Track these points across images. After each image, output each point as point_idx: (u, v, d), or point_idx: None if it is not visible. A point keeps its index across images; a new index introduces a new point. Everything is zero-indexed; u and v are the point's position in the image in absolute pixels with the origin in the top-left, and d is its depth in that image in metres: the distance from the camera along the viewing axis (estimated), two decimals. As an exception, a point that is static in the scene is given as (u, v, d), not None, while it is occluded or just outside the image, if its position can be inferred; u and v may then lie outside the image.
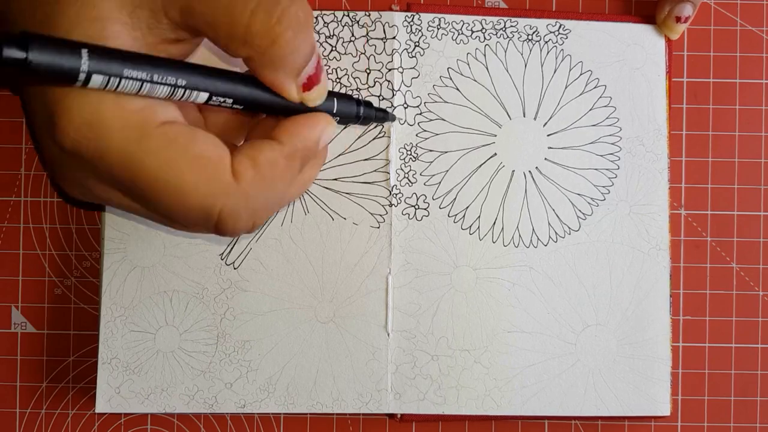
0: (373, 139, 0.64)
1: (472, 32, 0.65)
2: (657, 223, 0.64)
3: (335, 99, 0.56)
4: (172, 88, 0.48)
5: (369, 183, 0.64)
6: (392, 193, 0.64)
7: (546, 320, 0.64)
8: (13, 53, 0.43)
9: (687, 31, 0.67)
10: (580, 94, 0.65)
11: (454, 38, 0.64)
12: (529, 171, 0.65)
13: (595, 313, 0.64)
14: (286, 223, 0.64)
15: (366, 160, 0.64)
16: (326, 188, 0.64)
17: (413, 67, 0.64)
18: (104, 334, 0.63)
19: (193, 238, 0.63)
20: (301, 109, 0.52)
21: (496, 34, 0.65)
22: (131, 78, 0.46)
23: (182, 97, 0.48)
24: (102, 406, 0.63)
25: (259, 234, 0.64)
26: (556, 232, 0.64)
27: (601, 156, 0.65)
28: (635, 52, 0.65)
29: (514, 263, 0.64)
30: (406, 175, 0.64)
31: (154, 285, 0.63)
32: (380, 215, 0.64)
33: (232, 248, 0.64)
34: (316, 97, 0.52)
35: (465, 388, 0.64)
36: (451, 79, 0.65)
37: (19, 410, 0.66)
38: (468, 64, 0.65)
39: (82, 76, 0.44)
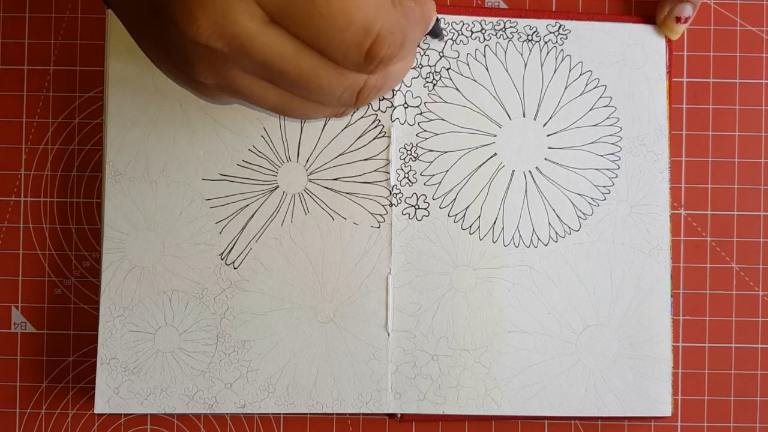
0: (374, 139, 0.64)
1: (472, 33, 0.64)
2: (658, 222, 0.64)
3: None
4: None
5: (369, 183, 0.64)
6: (392, 193, 0.64)
7: (546, 320, 0.64)
8: None
9: (687, 31, 0.66)
10: (580, 95, 0.64)
11: (454, 38, 0.64)
12: (529, 171, 0.64)
13: (596, 313, 0.64)
14: (286, 222, 0.63)
15: (366, 160, 0.64)
16: (326, 188, 0.64)
17: (413, 68, 0.64)
18: (103, 335, 0.63)
19: (193, 239, 0.63)
20: None
21: (495, 35, 0.64)
22: None
23: None
24: (101, 406, 0.63)
25: (259, 234, 0.63)
26: (556, 232, 0.64)
27: (602, 156, 0.64)
28: (635, 53, 0.65)
29: (515, 263, 0.64)
30: (407, 175, 0.64)
31: (154, 285, 0.63)
32: (380, 215, 0.64)
33: (232, 248, 0.63)
34: None
35: (465, 388, 0.63)
36: (451, 79, 0.64)
37: (19, 410, 0.66)
38: (468, 65, 0.64)
39: None
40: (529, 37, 0.64)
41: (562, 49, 0.64)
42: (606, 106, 0.64)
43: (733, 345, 0.66)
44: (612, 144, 0.64)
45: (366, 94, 0.53)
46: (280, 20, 0.49)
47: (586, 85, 0.64)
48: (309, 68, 0.51)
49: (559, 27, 0.64)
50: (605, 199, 0.64)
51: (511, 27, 0.64)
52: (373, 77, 0.52)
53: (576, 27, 0.65)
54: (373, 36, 0.49)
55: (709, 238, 0.66)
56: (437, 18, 0.60)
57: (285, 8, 0.49)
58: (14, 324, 0.66)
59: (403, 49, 0.51)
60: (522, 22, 0.64)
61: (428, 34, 0.59)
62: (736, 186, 0.66)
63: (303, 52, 0.50)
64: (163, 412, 0.63)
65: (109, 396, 0.63)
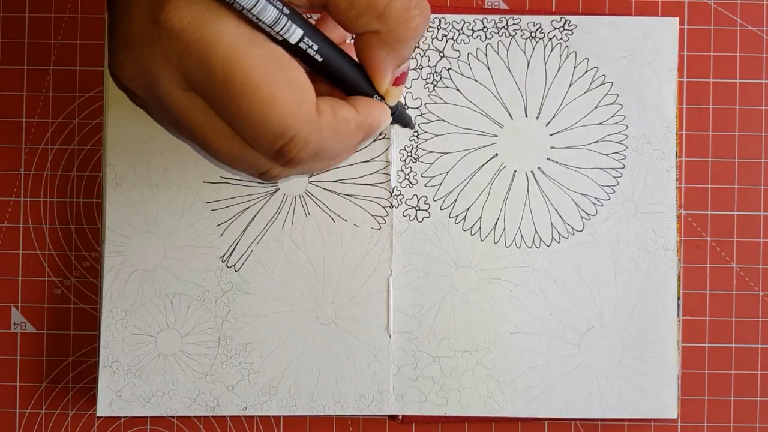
0: (374, 140, 0.63)
1: (473, 31, 0.64)
2: (664, 222, 0.63)
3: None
4: (279, 14, 0.49)
5: (370, 185, 0.63)
6: (393, 194, 0.63)
7: (549, 321, 0.63)
8: None
9: (687, 31, 0.66)
10: (585, 92, 0.64)
11: (455, 38, 0.64)
12: (531, 171, 0.64)
13: (600, 315, 0.63)
14: (287, 225, 0.63)
15: (366, 161, 0.63)
16: (327, 190, 0.63)
17: (413, 69, 0.64)
18: (105, 338, 0.63)
19: (195, 242, 0.63)
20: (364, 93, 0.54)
21: (497, 33, 0.64)
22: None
23: (282, 28, 0.49)
24: (103, 409, 0.62)
25: (260, 236, 0.63)
26: (559, 233, 0.64)
27: (606, 155, 0.64)
28: (645, 47, 0.64)
29: (516, 264, 0.63)
30: (407, 177, 0.64)
31: (155, 288, 0.63)
32: (381, 217, 0.63)
33: (233, 251, 0.63)
34: (397, 95, 0.55)
35: (467, 389, 0.63)
36: (451, 79, 0.64)
37: (19, 410, 0.66)
38: (469, 64, 0.64)
39: None
40: (533, 34, 0.64)
41: (567, 46, 0.64)
42: (612, 103, 0.64)
43: (733, 345, 0.66)
44: (617, 142, 0.64)
45: (269, 177, 0.54)
46: (200, 96, 0.50)
47: (592, 82, 0.64)
48: (215, 140, 0.52)
49: (565, 22, 0.64)
50: (609, 199, 0.64)
51: (513, 24, 0.64)
52: (279, 168, 0.53)
53: (582, 22, 0.64)
54: (287, 139, 0.50)
55: (709, 238, 0.66)
56: (401, 107, 0.59)
57: (206, 90, 0.49)
58: (14, 324, 0.65)
59: (317, 158, 0.52)
60: (525, 19, 0.64)
61: (396, 123, 0.58)
62: (736, 186, 0.66)
63: (215, 125, 0.51)
64: (165, 414, 0.62)
65: (112, 399, 0.62)
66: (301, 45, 0.50)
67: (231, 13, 0.48)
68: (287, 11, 0.49)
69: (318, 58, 0.51)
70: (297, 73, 0.50)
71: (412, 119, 0.63)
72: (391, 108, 0.55)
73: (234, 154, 0.53)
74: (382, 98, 0.53)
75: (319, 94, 0.52)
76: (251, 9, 0.48)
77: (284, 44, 0.49)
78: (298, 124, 0.50)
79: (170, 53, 0.49)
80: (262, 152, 0.52)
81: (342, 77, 0.53)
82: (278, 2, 0.49)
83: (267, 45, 0.49)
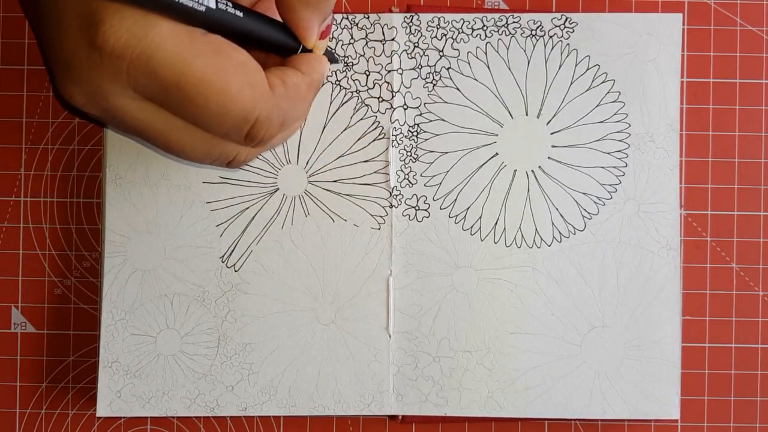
0: (373, 140, 0.63)
1: (473, 30, 0.63)
2: (667, 221, 0.63)
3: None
4: None
5: (369, 185, 0.63)
6: (392, 194, 0.63)
7: (550, 321, 0.63)
8: None
9: (687, 31, 0.66)
10: (587, 90, 0.63)
11: (454, 37, 0.63)
12: (532, 170, 0.63)
13: (602, 315, 0.63)
14: (286, 225, 0.63)
15: (366, 161, 0.63)
16: (327, 190, 0.63)
17: (413, 68, 0.63)
18: (105, 338, 0.62)
19: (194, 242, 0.62)
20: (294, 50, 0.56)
21: (497, 31, 0.63)
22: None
23: None
24: (103, 410, 0.62)
25: (260, 236, 0.63)
26: (560, 232, 0.63)
27: (608, 153, 0.63)
28: (648, 43, 0.63)
29: (517, 264, 0.63)
30: (407, 177, 0.63)
31: (155, 288, 0.62)
32: (381, 217, 0.63)
33: (232, 251, 0.63)
34: (323, 46, 0.56)
35: (467, 389, 0.62)
36: (451, 79, 0.63)
37: (19, 410, 0.65)
38: (469, 63, 0.63)
39: None
40: (533, 32, 0.63)
41: (568, 43, 0.63)
42: (614, 101, 0.63)
43: (734, 345, 0.65)
44: (619, 141, 0.63)
45: (237, 163, 0.55)
46: (155, 102, 0.50)
47: (593, 80, 0.63)
48: (178, 141, 0.53)
49: (566, 20, 0.63)
50: (611, 198, 0.63)
51: (513, 22, 0.63)
52: (246, 150, 0.54)
53: (584, 19, 0.63)
54: (251, 122, 0.51)
55: (709, 238, 0.66)
56: (329, 50, 0.60)
57: (160, 97, 0.49)
58: (14, 324, 0.65)
59: (284, 128, 0.54)
60: (525, 17, 0.63)
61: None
62: (736, 186, 0.66)
63: (175, 126, 0.52)
64: (164, 415, 0.62)
65: (111, 399, 0.62)
66: (220, 5, 0.50)
67: (161, 15, 0.48)
68: None
69: (239, 14, 0.52)
70: (242, 56, 0.51)
71: (334, 53, 0.64)
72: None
73: (199, 150, 0.53)
74: (310, 50, 0.56)
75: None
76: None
77: (206, 16, 0.49)
78: (258, 105, 0.50)
79: (116, 73, 0.49)
80: (230, 140, 0.52)
81: (270, 40, 0.54)
82: None
83: (206, 38, 0.50)
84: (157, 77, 0.48)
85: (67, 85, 0.51)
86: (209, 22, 0.50)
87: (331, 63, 0.59)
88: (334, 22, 0.63)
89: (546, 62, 0.63)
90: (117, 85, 0.49)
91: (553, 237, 0.63)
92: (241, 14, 0.52)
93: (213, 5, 0.50)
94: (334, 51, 0.63)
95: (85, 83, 0.50)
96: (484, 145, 0.63)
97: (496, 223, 0.63)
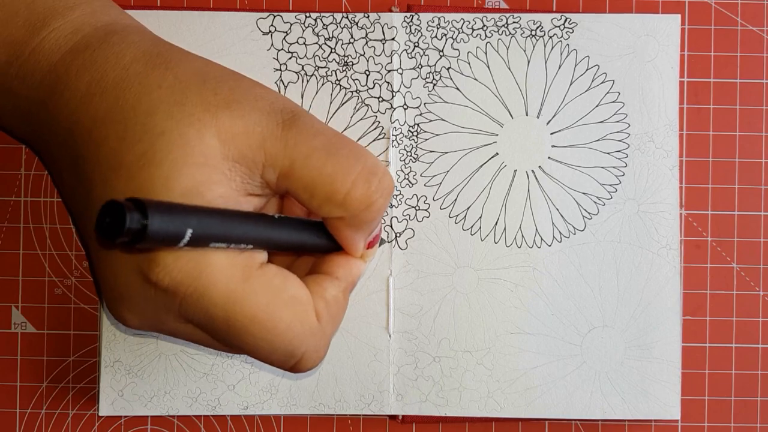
0: (373, 140, 0.63)
1: (473, 30, 0.63)
2: (667, 221, 0.63)
3: None
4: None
5: (369, 184, 0.63)
6: (392, 194, 0.63)
7: (550, 322, 0.63)
8: (134, 222, 0.41)
9: (687, 30, 0.66)
10: (586, 90, 0.63)
11: (454, 37, 0.63)
12: (532, 170, 0.63)
13: (602, 315, 0.63)
14: (287, 224, 0.62)
15: (366, 161, 0.63)
16: (327, 189, 0.63)
17: (413, 68, 0.63)
18: (106, 338, 0.62)
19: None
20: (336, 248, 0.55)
21: (497, 31, 0.63)
22: (228, 240, 0.47)
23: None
24: (105, 409, 0.62)
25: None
26: (560, 232, 0.63)
27: (608, 153, 0.63)
28: (647, 44, 0.63)
29: (517, 264, 0.63)
30: (407, 176, 0.63)
31: (156, 287, 0.62)
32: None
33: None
34: (372, 254, 0.56)
35: (467, 389, 0.62)
36: (451, 78, 0.63)
37: (19, 410, 0.65)
38: (469, 63, 0.63)
39: (185, 241, 0.44)
40: (533, 33, 0.63)
41: (567, 44, 0.63)
42: (614, 101, 0.63)
43: (734, 345, 0.65)
44: (619, 141, 0.63)
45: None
46: (205, 332, 0.51)
47: (593, 81, 0.63)
48: (228, 351, 0.54)
49: (565, 20, 0.63)
50: (611, 198, 0.63)
51: (513, 22, 0.63)
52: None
53: (583, 20, 0.63)
54: (298, 357, 0.51)
55: (709, 238, 0.65)
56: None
57: (210, 330, 0.50)
58: (14, 324, 0.65)
59: (323, 356, 0.53)
60: (525, 17, 0.63)
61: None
62: (736, 186, 0.65)
63: (223, 346, 0.53)
64: (166, 414, 0.62)
65: (113, 399, 0.62)
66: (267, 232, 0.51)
67: (217, 251, 0.48)
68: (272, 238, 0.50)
69: (288, 235, 0.52)
70: (294, 289, 0.50)
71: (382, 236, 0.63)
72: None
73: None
74: None
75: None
76: (238, 244, 0.48)
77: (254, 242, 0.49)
78: (306, 341, 0.50)
79: (169, 305, 0.49)
80: (279, 368, 0.52)
81: (313, 247, 0.54)
82: (257, 234, 0.49)
83: (261, 272, 0.49)
84: (207, 315, 0.48)
85: (121, 311, 0.52)
86: (257, 243, 0.50)
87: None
88: (334, 22, 0.63)
89: (546, 62, 0.63)
90: (170, 315, 0.50)
91: (553, 237, 0.63)
92: (288, 233, 0.52)
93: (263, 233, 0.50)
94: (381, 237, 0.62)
95: (139, 312, 0.51)
96: (484, 145, 0.63)
97: (496, 223, 0.63)
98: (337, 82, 0.63)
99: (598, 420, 0.65)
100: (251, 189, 0.50)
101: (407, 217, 0.63)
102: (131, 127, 0.48)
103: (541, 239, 0.63)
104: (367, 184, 0.49)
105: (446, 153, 0.63)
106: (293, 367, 0.51)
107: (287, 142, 0.48)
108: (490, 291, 0.63)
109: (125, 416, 0.64)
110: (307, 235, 0.53)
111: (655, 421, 0.65)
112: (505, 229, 0.63)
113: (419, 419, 0.63)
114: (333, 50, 0.63)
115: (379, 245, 0.61)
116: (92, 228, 0.45)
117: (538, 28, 0.63)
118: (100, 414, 0.62)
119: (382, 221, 0.62)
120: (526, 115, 0.63)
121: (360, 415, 0.64)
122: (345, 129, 0.63)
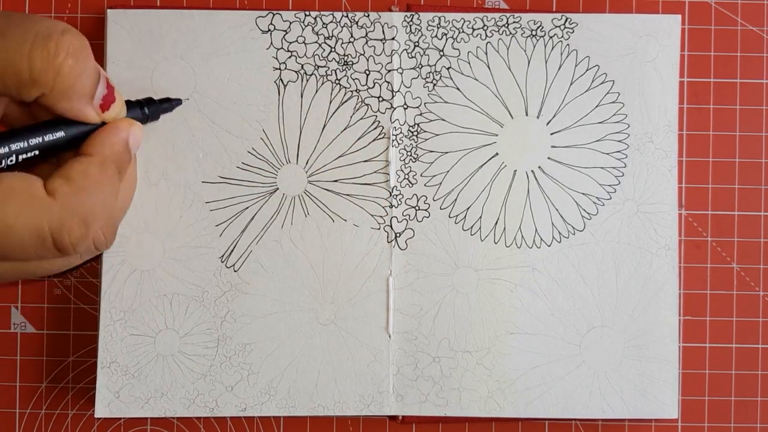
0: (373, 140, 0.63)
1: (473, 30, 0.63)
2: (665, 222, 0.63)
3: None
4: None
5: (369, 184, 0.63)
6: (392, 194, 0.63)
7: (550, 322, 0.63)
8: None
9: (687, 30, 0.66)
10: (586, 90, 0.63)
11: (455, 37, 0.63)
12: (532, 171, 0.63)
13: (601, 315, 0.63)
14: (286, 225, 0.62)
15: (366, 161, 0.63)
16: (326, 190, 0.63)
17: (413, 68, 0.63)
18: (104, 338, 0.62)
19: (194, 242, 0.62)
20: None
21: (498, 31, 0.63)
22: None
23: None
24: (101, 410, 0.62)
25: (259, 236, 0.62)
26: (559, 233, 0.63)
27: (608, 154, 0.63)
28: (648, 44, 0.63)
29: (517, 264, 0.63)
30: (407, 176, 0.63)
31: (154, 288, 0.62)
32: (381, 216, 0.63)
33: (232, 251, 0.62)
34: (115, 114, 0.55)
35: (467, 390, 0.62)
36: (451, 78, 0.63)
37: (19, 410, 0.65)
38: (469, 63, 0.63)
39: None
40: (533, 33, 0.63)
41: (568, 44, 0.63)
42: (613, 102, 0.63)
43: (734, 345, 0.65)
44: (619, 141, 0.63)
45: (79, 262, 0.55)
46: None
47: (593, 81, 0.63)
48: (4, 276, 0.53)
49: (566, 21, 0.63)
50: (611, 198, 0.63)
51: (514, 22, 0.63)
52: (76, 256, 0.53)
53: (584, 20, 0.63)
54: (48, 235, 0.50)
55: (709, 238, 0.65)
56: (150, 100, 0.59)
57: None
58: (14, 324, 0.65)
59: (92, 227, 0.52)
60: (526, 17, 0.63)
61: (154, 119, 0.60)
62: (736, 186, 0.65)
63: None
64: (163, 415, 0.62)
65: (110, 400, 0.62)
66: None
67: None
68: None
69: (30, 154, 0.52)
70: (7, 181, 0.49)
71: (171, 98, 0.62)
72: (134, 117, 0.56)
73: (15, 275, 0.54)
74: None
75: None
76: None
77: None
78: (43, 218, 0.49)
79: None
80: (49, 257, 0.52)
81: (76, 142, 0.54)
82: None
83: None
84: None
85: None
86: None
87: (162, 113, 0.60)
88: (334, 21, 0.63)
89: (546, 62, 0.63)
90: None
91: (553, 237, 0.63)
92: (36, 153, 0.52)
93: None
94: (143, 104, 0.60)
95: None
96: (484, 145, 0.63)
97: (496, 223, 0.63)
98: (337, 81, 0.63)
99: (598, 420, 0.65)
100: None
101: (407, 217, 0.63)
102: None
103: (541, 239, 0.63)
104: (45, 52, 0.48)
105: (446, 153, 0.63)
106: (54, 245, 0.50)
107: None
108: (490, 291, 0.63)
109: (123, 418, 0.64)
110: (45, 131, 0.52)
111: (655, 421, 0.65)
112: (504, 229, 0.63)
113: (419, 420, 0.63)
114: (333, 49, 0.63)
115: (149, 111, 0.59)
116: None
117: (538, 28, 0.63)
118: (95, 416, 0.62)
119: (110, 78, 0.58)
120: (526, 115, 0.63)
121: (360, 415, 0.64)
122: (345, 129, 0.63)
